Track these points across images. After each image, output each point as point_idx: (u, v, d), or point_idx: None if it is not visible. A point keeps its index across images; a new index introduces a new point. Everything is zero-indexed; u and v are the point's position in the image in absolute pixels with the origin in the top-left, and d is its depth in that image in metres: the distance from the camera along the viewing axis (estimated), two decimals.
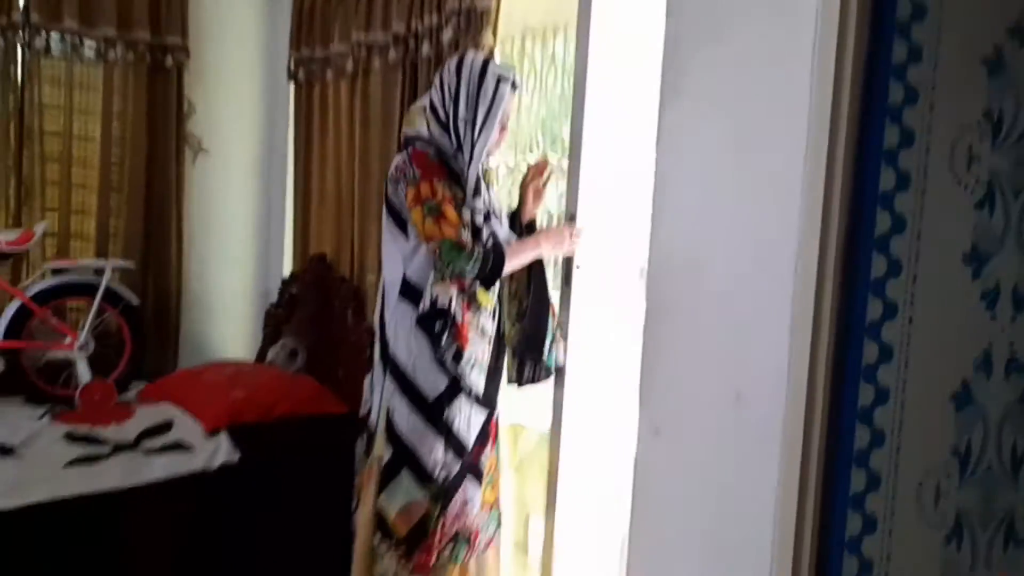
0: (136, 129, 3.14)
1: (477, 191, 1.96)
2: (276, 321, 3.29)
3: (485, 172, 2.03)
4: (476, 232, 1.91)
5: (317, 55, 3.14)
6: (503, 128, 1.99)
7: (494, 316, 1.97)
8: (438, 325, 1.85)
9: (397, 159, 1.93)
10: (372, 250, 2.84)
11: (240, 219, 3.53)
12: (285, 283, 3.31)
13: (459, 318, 1.87)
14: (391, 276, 1.97)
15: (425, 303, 1.85)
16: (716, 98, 1.59)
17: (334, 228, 3.10)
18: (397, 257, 1.94)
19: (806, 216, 1.36)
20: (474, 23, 2.32)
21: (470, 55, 1.99)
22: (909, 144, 1.32)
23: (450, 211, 1.84)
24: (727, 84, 1.57)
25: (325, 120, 3.16)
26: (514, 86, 1.95)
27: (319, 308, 2.99)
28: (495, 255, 1.87)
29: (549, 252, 2.00)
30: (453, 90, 1.93)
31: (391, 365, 1.94)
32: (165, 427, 2.50)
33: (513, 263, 1.93)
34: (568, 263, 2.07)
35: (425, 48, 2.53)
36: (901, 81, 1.30)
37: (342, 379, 2.81)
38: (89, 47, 3.04)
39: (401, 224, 1.94)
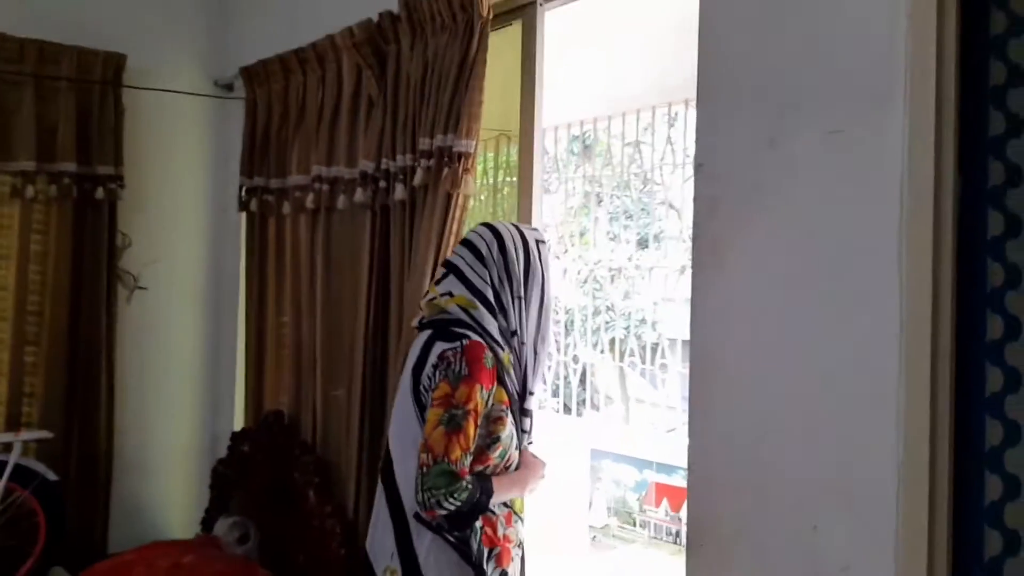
0: (59, 271, 2.71)
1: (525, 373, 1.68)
2: (224, 482, 2.81)
3: None
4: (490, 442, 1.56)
5: (272, 185, 2.78)
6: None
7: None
8: (474, 546, 1.52)
9: (443, 347, 1.55)
10: (337, 419, 2.41)
11: (183, 363, 3.08)
12: (235, 437, 2.84)
13: (499, 531, 1.55)
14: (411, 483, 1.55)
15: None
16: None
17: (293, 382, 2.67)
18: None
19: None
20: (452, 168, 1.97)
21: (502, 227, 1.69)
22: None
23: (470, 429, 1.48)
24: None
25: (282, 258, 2.77)
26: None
27: (274, 478, 2.53)
28: (481, 494, 1.50)
29: (530, 492, 1.68)
30: (502, 267, 1.64)
31: None
32: None
33: (495, 502, 1.56)
34: None
35: (399, 191, 2.17)
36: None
37: (303, 568, 2.34)
38: (1, 183, 2.60)
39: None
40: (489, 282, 1.61)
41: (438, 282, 1.65)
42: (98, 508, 2.78)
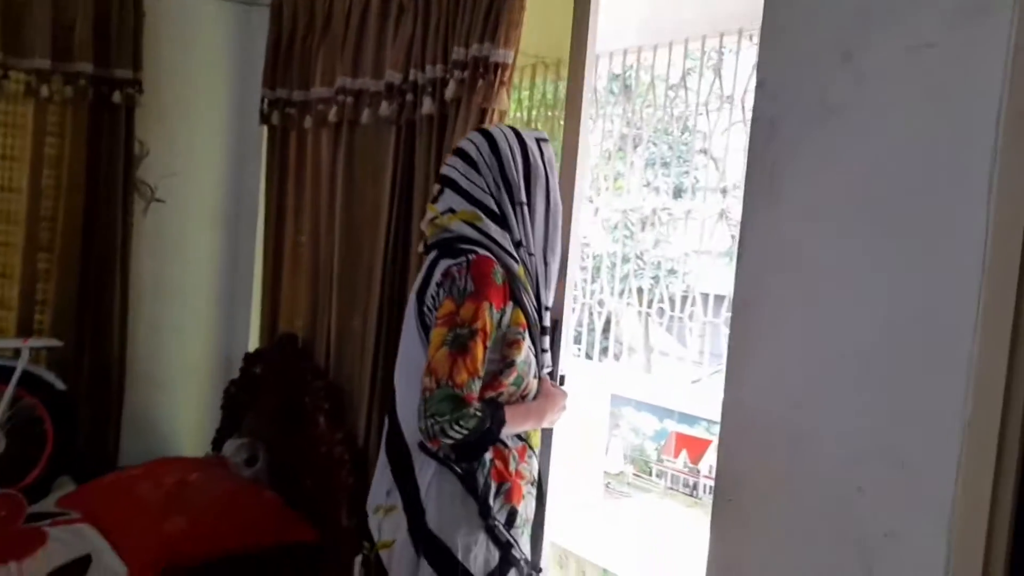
0: (73, 177, 2.61)
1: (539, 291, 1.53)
2: (236, 404, 2.75)
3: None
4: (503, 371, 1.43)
5: (295, 98, 2.63)
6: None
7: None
8: (481, 479, 1.40)
9: (447, 263, 1.41)
10: (351, 345, 2.32)
11: (199, 281, 2.99)
12: (249, 359, 2.77)
13: (511, 466, 1.44)
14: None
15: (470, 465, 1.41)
16: None
17: (309, 304, 2.56)
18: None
19: None
20: (487, 80, 1.81)
21: (495, 129, 1.52)
22: None
23: (478, 351, 1.34)
24: None
25: (302, 173, 2.64)
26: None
27: (285, 401, 2.45)
28: (492, 423, 1.37)
29: (546, 424, 1.56)
30: (497, 172, 1.47)
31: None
32: (80, 566, 1.94)
33: (507, 433, 1.44)
34: None
35: (427, 104, 2.02)
36: None
37: (311, 493, 2.27)
38: (15, 80, 2.48)
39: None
40: (487, 189, 1.45)
41: (435, 199, 1.51)
42: (110, 421, 2.74)
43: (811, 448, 1.35)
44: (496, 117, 1.83)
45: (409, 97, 2.12)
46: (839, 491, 1.31)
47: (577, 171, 1.74)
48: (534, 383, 1.49)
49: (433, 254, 1.47)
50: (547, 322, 1.53)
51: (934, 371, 1.20)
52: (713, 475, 1.55)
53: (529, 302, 1.45)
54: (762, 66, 1.45)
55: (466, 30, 1.88)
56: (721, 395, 1.50)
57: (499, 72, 1.81)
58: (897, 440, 1.25)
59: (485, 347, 1.35)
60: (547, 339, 1.56)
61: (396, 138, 2.18)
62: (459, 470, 1.39)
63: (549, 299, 1.53)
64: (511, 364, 1.41)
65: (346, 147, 2.38)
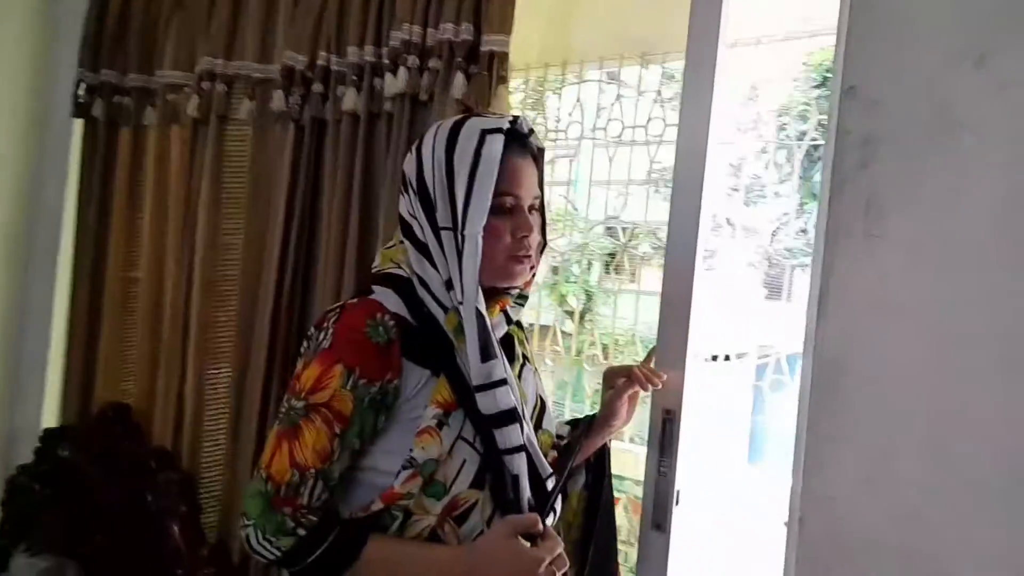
0: None
1: (487, 353, 0.95)
2: (26, 501, 1.96)
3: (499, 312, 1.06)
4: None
5: (130, 83, 1.98)
6: (512, 211, 1.00)
7: None
8: None
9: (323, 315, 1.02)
10: (218, 420, 1.70)
11: None
12: (49, 437, 2.00)
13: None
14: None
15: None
16: None
17: (147, 364, 1.89)
18: None
19: None
20: (478, 75, 1.36)
21: (434, 126, 1.04)
22: None
23: (311, 436, 0.92)
24: None
25: (138, 185, 1.99)
26: (517, 139, 1.02)
27: (113, 501, 1.75)
28: (331, 547, 0.92)
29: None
30: (414, 182, 1.01)
31: None
32: None
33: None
34: None
35: (349, 99, 1.51)
36: None
37: None
38: None
39: None
40: (410, 208, 1.01)
41: None
42: None
43: (935, 564, 1.04)
44: None
45: (317, 87, 1.59)
46: None
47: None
48: (477, 517, 0.96)
49: None
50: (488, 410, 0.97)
51: None
52: None
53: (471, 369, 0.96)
54: (852, 68, 1.14)
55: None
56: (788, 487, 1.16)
57: (495, 64, 1.36)
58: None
59: (332, 432, 0.92)
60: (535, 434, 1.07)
61: (295, 140, 1.63)
62: None
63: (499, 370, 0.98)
64: (409, 465, 0.94)
65: (213, 151, 1.78)
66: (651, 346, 1.30)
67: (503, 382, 0.95)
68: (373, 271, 1.05)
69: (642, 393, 1.22)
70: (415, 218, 1.00)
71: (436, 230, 0.98)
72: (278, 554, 0.91)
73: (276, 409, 1.60)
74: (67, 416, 2.09)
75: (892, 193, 1.10)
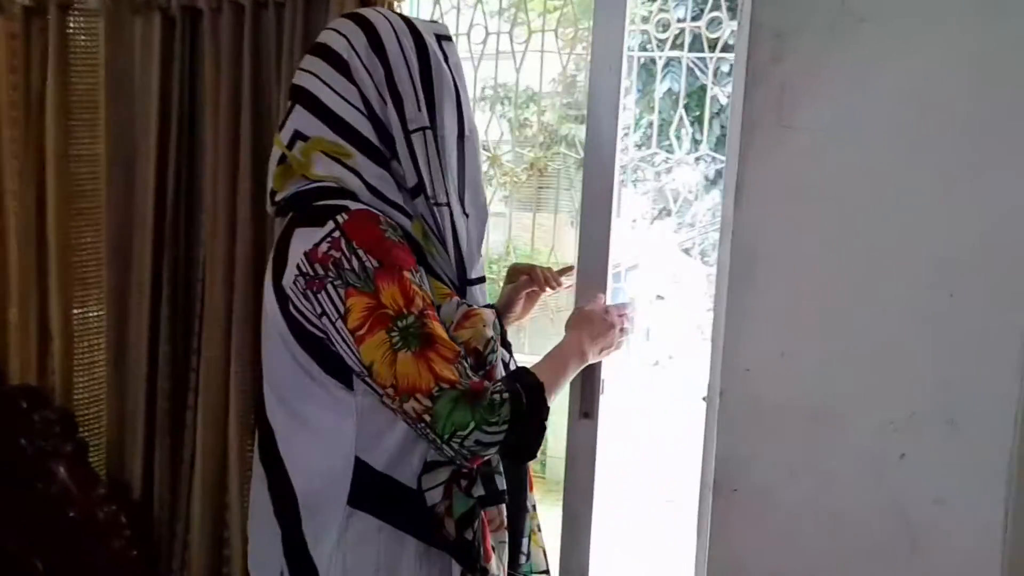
0: None
1: (479, 251, 1.05)
2: None
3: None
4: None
5: None
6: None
7: None
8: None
9: (308, 240, 0.90)
10: (98, 349, 1.56)
11: None
12: None
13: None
14: (309, 462, 0.96)
15: (447, 528, 0.94)
16: None
17: None
18: (328, 428, 0.94)
19: None
20: None
21: (375, 17, 0.99)
22: None
23: (439, 329, 0.91)
24: None
25: None
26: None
27: None
28: (527, 391, 0.95)
29: (595, 357, 1.17)
30: (381, 77, 0.96)
31: None
32: None
33: (552, 398, 1.03)
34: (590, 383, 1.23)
35: None
36: None
37: None
38: None
39: (331, 365, 0.92)
40: (363, 108, 0.96)
41: (282, 125, 0.98)
42: None
43: (838, 421, 1.18)
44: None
45: None
46: (877, 462, 1.17)
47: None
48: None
49: (287, 219, 0.96)
50: (477, 297, 1.05)
51: (991, 319, 1.10)
52: None
53: (446, 271, 1.00)
54: None
55: None
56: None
57: None
58: (946, 400, 1.14)
59: (439, 321, 0.92)
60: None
61: (164, 33, 1.45)
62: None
63: (480, 268, 1.07)
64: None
65: (56, 47, 1.54)
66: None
67: (483, 279, 1.01)
68: (301, 189, 0.95)
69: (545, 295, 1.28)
70: (372, 118, 0.95)
71: (408, 131, 0.95)
72: (507, 424, 0.89)
73: (171, 332, 1.49)
74: None
75: (802, 85, 1.17)
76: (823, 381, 1.18)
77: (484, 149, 3.15)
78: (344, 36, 0.96)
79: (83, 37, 1.56)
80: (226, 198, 1.43)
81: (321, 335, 0.90)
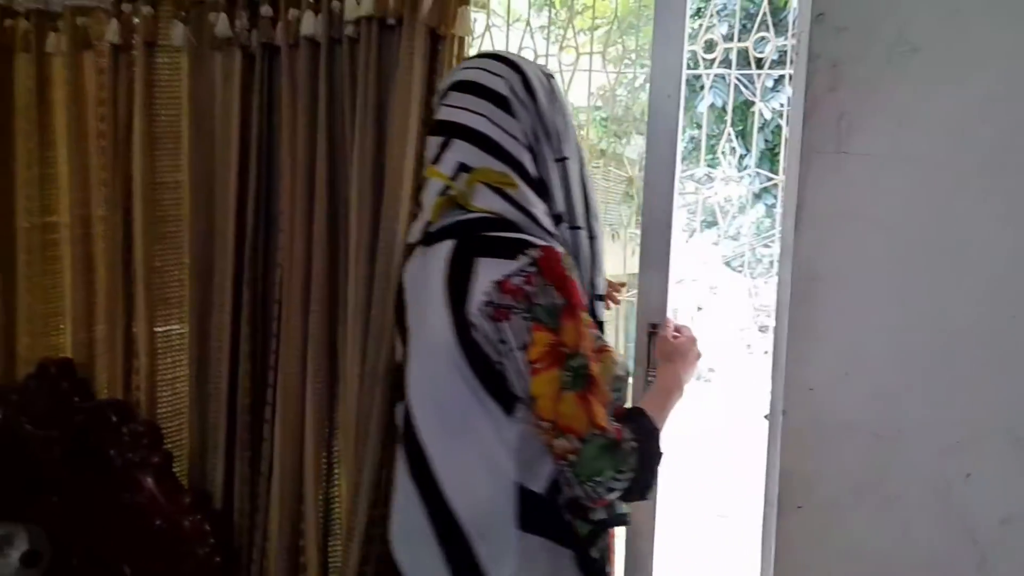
0: None
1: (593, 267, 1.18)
2: None
3: None
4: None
5: (24, 5, 1.76)
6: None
7: None
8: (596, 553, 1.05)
9: (496, 270, 0.96)
10: (180, 366, 1.65)
11: None
12: None
13: None
14: (472, 485, 1.01)
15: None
16: None
17: (83, 313, 1.77)
18: (489, 452, 1.00)
19: None
20: None
21: (512, 56, 1.13)
22: None
23: (598, 372, 0.96)
24: None
25: (47, 120, 1.82)
26: None
27: (66, 460, 1.67)
28: (647, 440, 1.00)
29: (689, 382, 1.25)
30: (534, 114, 1.07)
31: None
32: None
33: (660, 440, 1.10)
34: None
35: (307, 23, 1.45)
36: None
37: None
38: None
39: (498, 390, 0.99)
40: (523, 139, 1.04)
41: (436, 159, 1.05)
42: None
43: (903, 440, 1.21)
44: (455, 47, 1.35)
45: (266, 10, 1.50)
46: (942, 482, 1.19)
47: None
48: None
49: (447, 247, 1.01)
50: (601, 314, 1.14)
51: None
52: None
53: (584, 293, 1.07)
54: None
55: None
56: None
57: None
58: (1011, 419, 1.16)
59: (599, 362, 0.97)
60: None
61: (244, 68, 1.54)
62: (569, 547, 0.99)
63: (602, 285, 1.14)
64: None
65: (142, 82, 1.64)
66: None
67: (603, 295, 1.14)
68: (464, 219, 1.02)
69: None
70: (529, 151, 1.04)
71: (558, 160, 1.07)
72: (632, 472, 0.94)
73: (250, 349, 1.57)
74: None
75: (859, 112, 1.21)
76: (886, 401, 1.21)
77: None
78: (500, 76, 1.07)
79: (167, 72, 1.65)
80: (302, 223, 1.50)
81: (496, 361, 0.96)
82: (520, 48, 2.43)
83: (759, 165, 3.70)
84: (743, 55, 3.07)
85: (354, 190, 1.43)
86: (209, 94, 1.61)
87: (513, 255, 0.95)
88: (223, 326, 1.59)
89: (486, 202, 1.01)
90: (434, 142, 1.06)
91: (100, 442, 1.62)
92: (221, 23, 1.53)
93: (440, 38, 1.35)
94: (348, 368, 1.47)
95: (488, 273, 0.95)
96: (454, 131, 1.04)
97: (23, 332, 1.88)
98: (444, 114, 1.06)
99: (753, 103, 3.56)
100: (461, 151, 1.02)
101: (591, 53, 2.62)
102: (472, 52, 1.43)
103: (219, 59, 1.58)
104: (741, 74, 3.44)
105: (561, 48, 2.61)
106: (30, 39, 1.77)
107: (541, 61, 2.55)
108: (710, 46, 3.01)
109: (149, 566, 1.57)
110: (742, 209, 5.03)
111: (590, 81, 2.75)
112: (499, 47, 1.97)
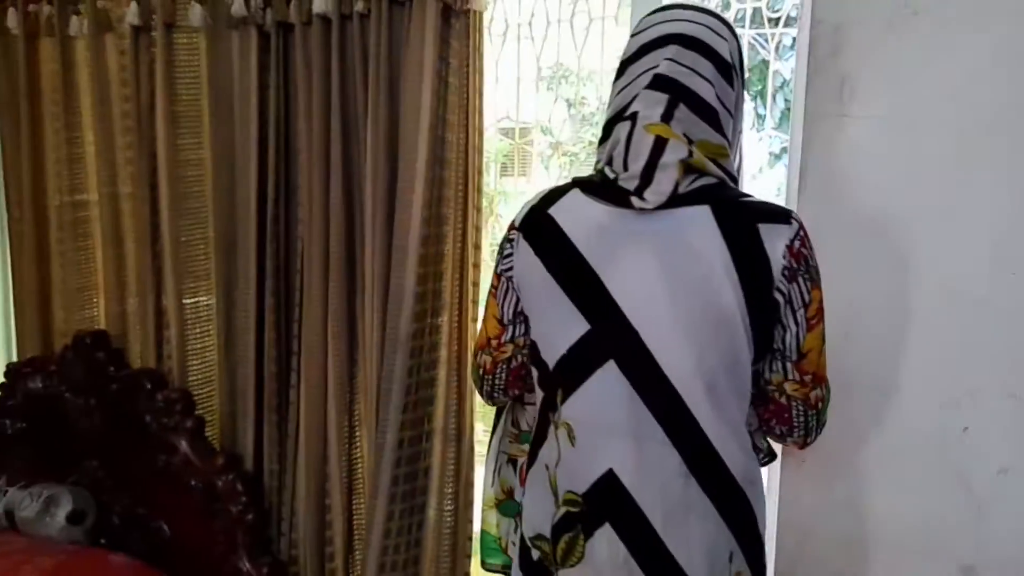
0: None
1: None
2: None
3: None
4: None
5: None
6: None
7: None
8: None
9: (783, 234, 0.99)
10: (209, 335, 1.72)
11: None
12: (11, 373, 1.96)
13: None
14: (735, 443, 1.02)
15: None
16: None
17: (114, 286, 1.85)
18: (738, 410, 1.04)
19: None
20: None
21: (726, 20, 1.09)
22: None
23: None
24: None
25: (73, 103, 1.88)
26: None
27: (104, 426, 1.77)
28: None
29: None
30: (739, 88, 1.09)
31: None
32: None
33: None
34: None
35: (319, 0, 1.48)
36: None
37: (182, 543, 1.68)
38: None
39: (759, 350, 1.02)
40: (733, 108, 1.05)
41: (667, 115, 0.98)
42: None
43: (900, 395, 1.25)
44: (474, 21, 1.38)
45: None
46: (940, 434, 1.23)
47: None
48: None
49: (704, 211, 0.99)
50: None
51: None
52: None
53: None
54: None
55: None
56: None
57: None
58: (1008, 375, 1.19)
59: None
60: None
61: (260, 47, 1.59)
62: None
63: None
64: None
65: (164, 63, 1.69)
66: None
67: None
68: (707, 184, 1.01)
69: None
70: (730, 112, 1.04)
71: (737, 132, 1.10)
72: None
73: (275, 319, 1.64)
74: (24, 350, 2.03)
75: (861, 76, 1.23)
76: (886, 359, 1.25)
77: (545, 132, 3.23)
78: (724, 39, 1.03)
79: (186, 52, 1.71)
80: (320, 195, 1.56)
81: (774, 319, 1.00)
82: (532, 13, 2.44)
83: (778, 127, 3.67)
84: (757, 14, 3.05)
85: (368, 163, 1.49)
86: (227, 73, 1.66)
87: (788, 220, 0.99)
88: (248, 297, 1.66)
89: (711, 170, 1.02)
90: (653, 97, 0.99)
91: (136, 409, 1.71)
92: (237, 3, 1.58)
93: (451, 12, 1.38)
94: (367, 334, 1.53)
95: (777, 239, 0.98)
96: (680, 94, 0.99)
97: (58, 306, 1.97)
98: (667, 69, 0.99)
99: (769, 63, 3.55)
100: (689, 120, 0.99)
101: (603, 17, 2.63)
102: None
103: (235, 38, 1.63)
104: (757, 33, 3.41)
105: (573, 14, 2.62)
106: (53, 23, 1.83)
107: (554, 24, 2.58)
108: (725, 5, 3.00)
109: (185, 523, 1.67)
110: (761, 170, 5.00)
111: (603, 44, 2.76)
112: (510, 12, 1.99)
